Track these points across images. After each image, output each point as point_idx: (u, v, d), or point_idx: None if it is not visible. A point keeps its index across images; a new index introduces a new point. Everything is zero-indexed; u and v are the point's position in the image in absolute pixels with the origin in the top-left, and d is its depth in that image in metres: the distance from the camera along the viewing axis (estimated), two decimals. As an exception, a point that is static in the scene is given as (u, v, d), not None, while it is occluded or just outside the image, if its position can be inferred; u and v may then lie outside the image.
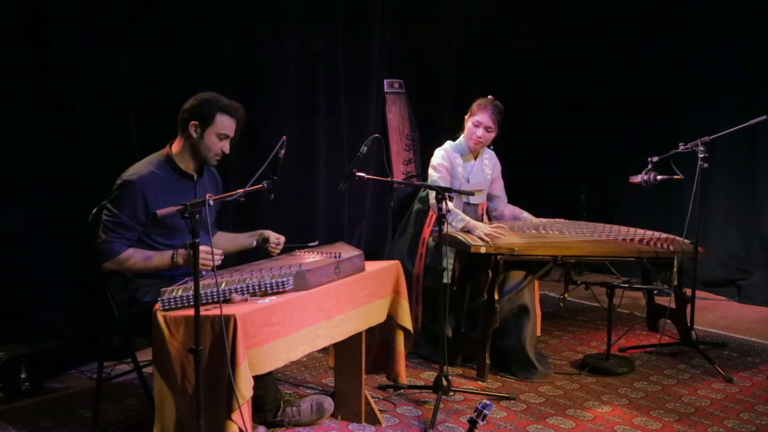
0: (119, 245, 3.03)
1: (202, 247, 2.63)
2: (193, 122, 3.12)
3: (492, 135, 4.17)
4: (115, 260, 3.03)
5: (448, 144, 4.27)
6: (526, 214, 4.37)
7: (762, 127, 4.39)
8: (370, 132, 4.66)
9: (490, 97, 4.19)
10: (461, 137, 4.25)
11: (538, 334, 4.18)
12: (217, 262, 2.83)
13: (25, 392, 3.70)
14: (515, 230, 4.11)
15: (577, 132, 6.57)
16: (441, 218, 3.42)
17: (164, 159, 3.18)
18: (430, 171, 4.18)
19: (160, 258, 3.05)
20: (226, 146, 3.17)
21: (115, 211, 3.04)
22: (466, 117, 4.20)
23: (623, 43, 6.17)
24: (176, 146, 3.19)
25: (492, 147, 4.34)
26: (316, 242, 3.39)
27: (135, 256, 3.04)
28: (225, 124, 3.13)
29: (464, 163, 4.23)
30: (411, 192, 4.61)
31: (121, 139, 4.19)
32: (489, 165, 4.34)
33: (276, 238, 3.36)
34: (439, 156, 4.20)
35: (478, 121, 4.13)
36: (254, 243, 3.40)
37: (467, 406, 3.58)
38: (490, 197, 4.43)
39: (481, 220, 4.28)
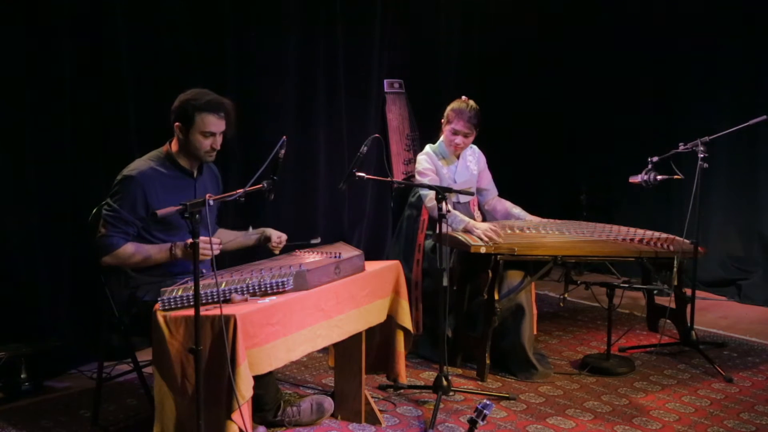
0: (118, 239, 3.04)
1: (200, 238, 2.63)
2: (177, 124, 3.13)
3: (471, 138, 4.17)
4: (114, 254, 3.04)
5: (428, 148, 4.27)
6: (517, 210, 4.36)
7: (762, 127, 4.39)
8: (370, 132, 4.66)
9: (464, 98, 4.16)
10: (440, 140, 4.25)
11: (535, 332, 4.18)
12: (216, 252, 2.82)
13: (25, 392, 3.70)
14: (515, 230, 4.11)
15: (577, 132, 6.57)
16: (441, 218, 3.42)
17: (164, 156, 3.19)
18: (418, 177, 4.15)
19: (158, 252, 3.06)
20: (215, 142, 3.15)
21: (115, 206, 3.05)
22: (443, 122, 4.19)
23: (623, 43, 6.17)
24: (174, 144, 3.20)
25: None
26: (318, 239, 3.39)
27: (134, 251, 3.05)
28: (207, 122, 3.10)
29: (447, 165, 4.23)
30: (403, 192, 4.60)
31: (121, 139, 4.19)
32: (473, 161, 4.35)
33: (278, 237, 3.36)
34: (423, 161, 4.20)
35: (455, 129, 4.12)
36: (256, 241, 3.40)
37: (467, 406, 3.58)
38: (479, 191, 4.42)
39: (473, 216, 4.28)
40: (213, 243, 2.76)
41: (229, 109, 3.16)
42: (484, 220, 4.41)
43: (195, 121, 3.09)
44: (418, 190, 4.23)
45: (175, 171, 3.19)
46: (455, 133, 4.12)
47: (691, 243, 4.08)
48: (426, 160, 4.20)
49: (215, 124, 3.13)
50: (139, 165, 3.13)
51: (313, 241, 3.36)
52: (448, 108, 4.17)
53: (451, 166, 4.24)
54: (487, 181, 4.44)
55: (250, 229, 3.37)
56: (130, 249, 3.05)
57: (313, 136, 5.17)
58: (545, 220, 4.31)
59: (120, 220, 3.04)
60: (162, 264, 3.09)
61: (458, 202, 4.25)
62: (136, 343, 3.51)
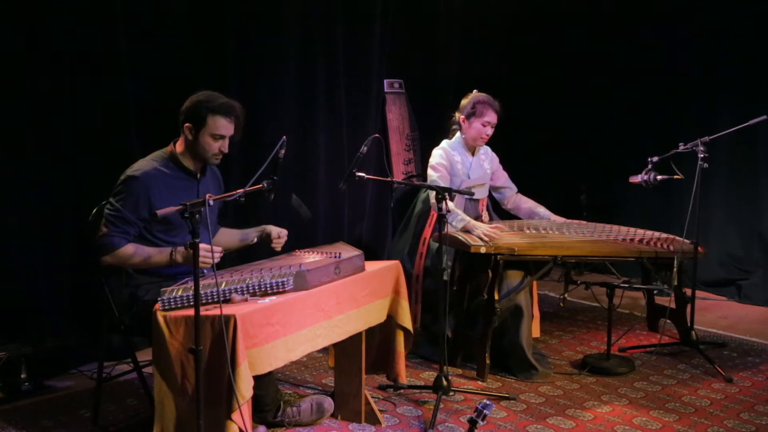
0: (119, 239, 3.04)
1: (201, 245, 2.63)
2: (187, 124, 3.12)
3: (493, 129, 4.21)
4: (115, 254, 3.04)
5: (445, 143, 4.28)
6: (542, 210, 4.38)
7: (762, 127, 4.39)
8: (370, 132, 4.65)
9: (477, 92, 4.20)
10: (457, 135, 4.26)
11: (537, 335, 4.18)
12: (217, 260, 2.82)
13: (25, 392, 3.70)
14: (515, 230, 4.11)
15: (578, 132, 6.57)
16: (441, 218, 3.42)
17: (168, 156, 3.19)
18: (429, 171, 4.19)
19: (159, 255, 3.06)
20: (224, 145, 3.16)
21: (118, 206, 3.06)
22: (463, 118, 4.18)
23: (623, 44, 6.17)
24: (179, 145, 3.20)
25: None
26: (309, 214, 3.35)
27: (134, 252, 3.05)
28: (218, 124, 3.11)
29: (463, 160, 4.24)
30: (408, 191, 4.61)
31: (121, 139, 4.19)
32: (486, 159, 4.37)
33: (278, 233, 3.35)
34: (437, 156, 4.21)
35: (487, 122, 4.15)
36: (257, 238, 3.40)
37: (467, 406, 3.58)
38: (497, 189, 4.45)
39: (481, 216, 4.29)
40: (214, 251, 2.76)
41: (239, 113, 3.17)
42: (490, 221, 4.42)
43: (207, 122, 3.09)
44: None
45: (179, 172, 3.18)
46: (486, 125, 4.15)
47: (691, 243, 4.08)
48: (441, 155, 4.21)
49: (226, 127, 3.13)
50: (143, 165, 3.13)
51: (304, 216, 3.30)
52: (472, 101, 4.16)
53: (466, 162, 4.25)
54: (504, 179, 4.46)
55: (256, 238, 3.35)
56: (130, 249, 3.05)
57: (313, 136, 5.17)
58: (569, 220, 4.31)
59: (122, 220, 3.04)
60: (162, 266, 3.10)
61: (470, 200, 4.26)
62: (136, 343, 3.51)
